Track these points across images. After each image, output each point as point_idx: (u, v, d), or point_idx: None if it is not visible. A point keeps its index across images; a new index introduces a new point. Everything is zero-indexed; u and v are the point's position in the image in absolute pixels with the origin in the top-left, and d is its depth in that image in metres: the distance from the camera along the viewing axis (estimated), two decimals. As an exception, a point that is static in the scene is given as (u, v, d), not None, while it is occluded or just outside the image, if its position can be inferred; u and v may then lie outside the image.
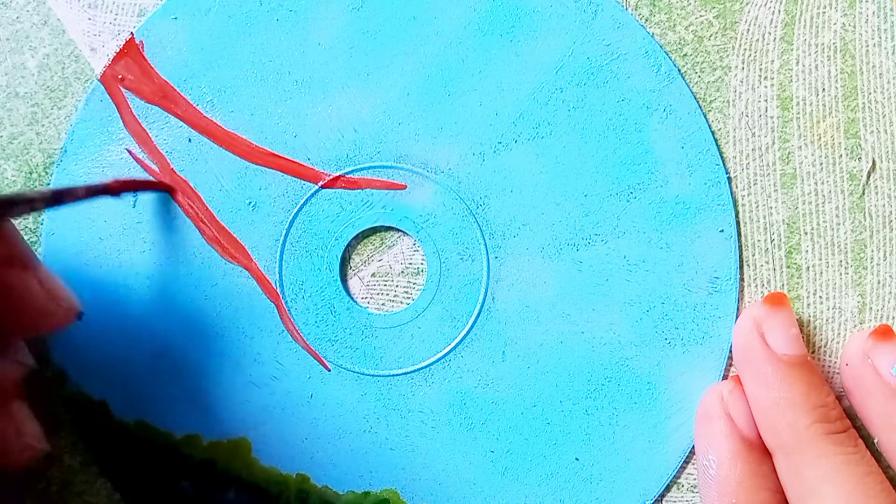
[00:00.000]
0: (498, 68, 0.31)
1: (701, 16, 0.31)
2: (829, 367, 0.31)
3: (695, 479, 0.31)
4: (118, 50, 0.31)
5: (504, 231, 0.31)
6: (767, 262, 0.31)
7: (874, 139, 0.31)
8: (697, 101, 0.31)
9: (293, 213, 0.31)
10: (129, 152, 0.31)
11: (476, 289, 0.31)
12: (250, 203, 0.31)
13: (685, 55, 0.31)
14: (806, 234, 0.31)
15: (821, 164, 0.31)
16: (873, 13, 0.31)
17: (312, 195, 0.31)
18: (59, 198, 0.26)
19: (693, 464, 0.31)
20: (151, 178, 0.31)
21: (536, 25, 0.31)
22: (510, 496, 0.31)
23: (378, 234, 0.32)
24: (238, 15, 0.31)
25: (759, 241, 0.31)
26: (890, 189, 0.31)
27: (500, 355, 0.31)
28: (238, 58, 0.31)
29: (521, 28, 0.31)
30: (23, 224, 0.32)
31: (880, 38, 0.31)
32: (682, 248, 0.31)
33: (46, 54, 0.32)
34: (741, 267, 0.31)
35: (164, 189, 0.31)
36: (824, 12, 0.31)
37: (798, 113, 0.31)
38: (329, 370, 0.31)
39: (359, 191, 0.31)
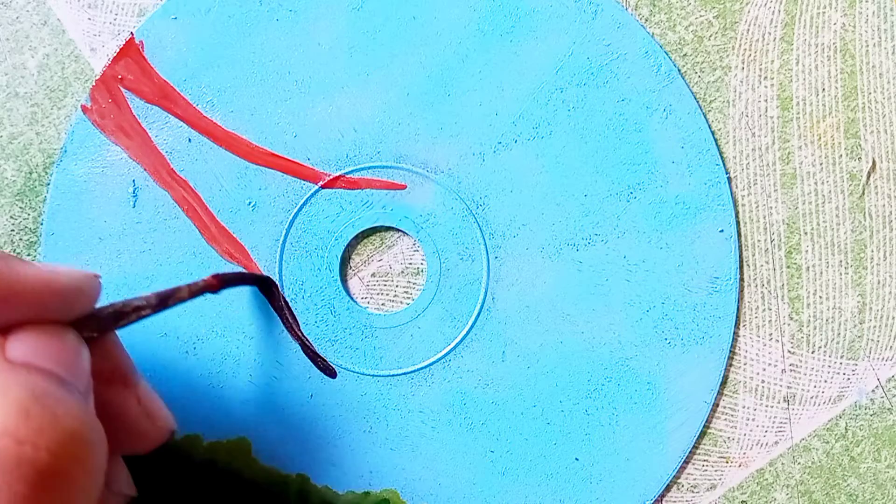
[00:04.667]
0: (498, 68, 0.31)
1: (701, 16, 0.31)
2: (830, 367, 0.31)
3: (695, 479, 0.32)
4: (118, 50, 0.31)
5: (504, 231, 0.31)
6: (767, 262, 0.31)
7: (874, 139, 0.31)
8: (697, 101, 0.31)
9: (293, 213, 0.31)
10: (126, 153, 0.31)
11: (476, 289, 0.31)
12: (250, 203, 0.31)
13: (685, 55, 0.31)
14: (806, 234, 0.31)
15: (821, 164, 0.31)
16: (873, 13, 0.31)
17: (312, 195, 0.31)
18: (165, 302, 0.25)
19: (693, 464, 0.31)
20: (250, 273, 0.31)
21: (536, 25, 0.31)
22: (510, 496, 0.31)
23: (378, 234, 0.32)
24: (238, 15, 0.31)
25: (759, 241, 0.31)
26: (890, 189, 0.31)
27: (500, 355, 0.31)
28: (238, 58, 0.31)
29: (521, 28, 0.31)
30: (23, 224, 0.32)
31: (880, 38, 0.31)
32: (682, 248, 0.31)
33: (46, 54, 0.32)
34: (741, 267, 0.31)
35: (263, 282, 0.31)
36: (824, 12, 0.31)
37: (798, 113, 0.31)
38: (335, 376, 0.31)
39: (359, 191, 0.31)
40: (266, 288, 0.31)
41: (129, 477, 0.27)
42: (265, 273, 0.31)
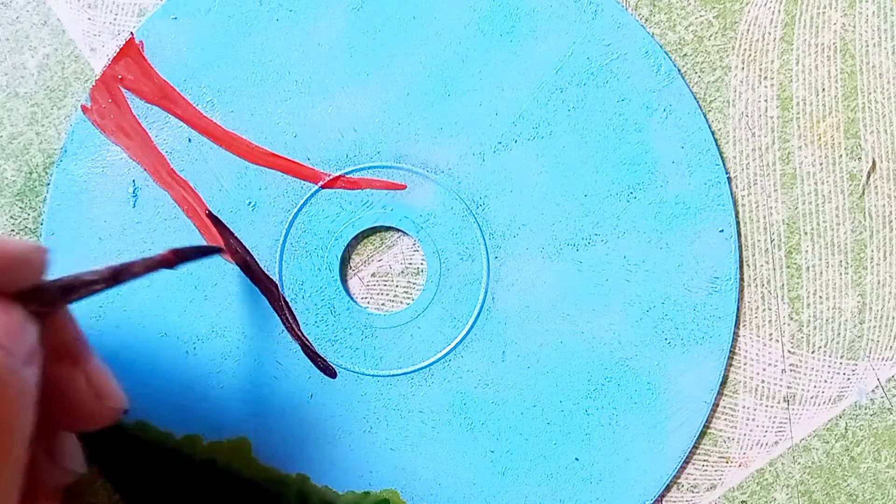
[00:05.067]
0: (498, 68, 0.31)
1: (701, 16, 0.31)
2: (830, 367, 0.31)
3: (695, 479, 0.32)
4: (118, 50, 0.31)
5: (504, 231, 0.31)
6: (767, 262, 0.31)
7: (874, 139, 0.31)
8: (697, 101, 0.31)
9: (293, 213, 0.31)
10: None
11: (476, 289, 0.31)
12: (250, 203, 0.31)
13: (685, 55, 0.31)
14: (806, 234, 0.31)
15: (821, 164, 0.31)
16: (873, 13, 0.31)
17: (312, 195, 0.31)
18: (118, 276, 0.25)
19: (693, 464, 0.31)
20: (203, 245, 0.31)
21: (536, 25, 0.31)
22: (510, 496, 0.31)
23: (378, 234, 0.32)
24: (238, 15, 0.31)
25: (759, 241, 0.31)
26: (890, 189, 0.31)
27: (500, 355, 0.31)
28: (238, 58, 0.31)
29: (521, 28, 0.31)
30: (22, 224, 0.32)
31: (880, 38, 0.31)
32: (682, 248, 0.31)
33: (46, 54, 0.32)
34: (741, 267, 0.31)
35: (218, 251, 0.31)
36: (824, 12, 0.31)
37: (798, 113, 0.31)
38: (335, 376, 0.31)
39: (359, 191, 0.31)
40: (212, 253, 0.30)
41: (81, 454, 0.27)
42: (267, 273, 0.31)
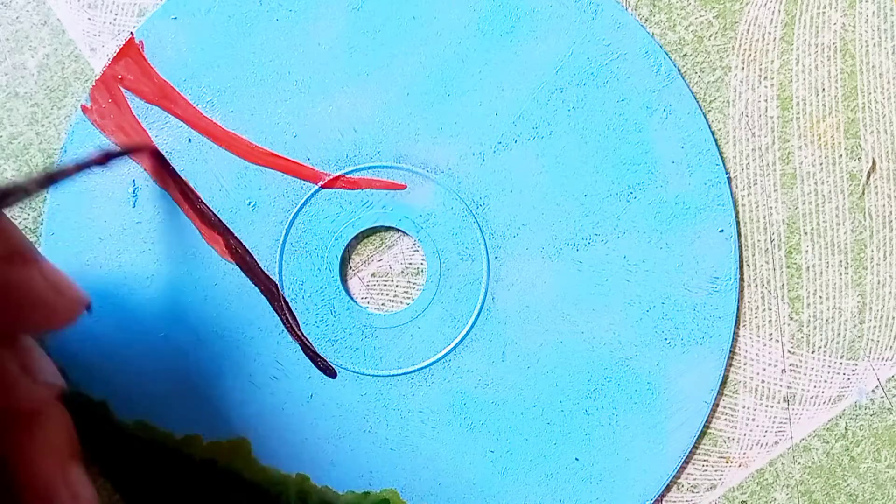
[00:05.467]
0: (498, 68, 0.31)
1: (701, 16, 0.31)
2: (830, 367, 0.31)
3: (695, 479, 0.32)
4: (118, 50, 0.31)
5: (504, 231, 0.31)
6: (767, 262, 0.31)
7: (874, 139, 0.31)
8: (697, 101, 0.31)
9: (293, 213, 0.31)
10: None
11: (476, 289, 0.31)
12: (250, 203, 0.31)
13: (685, 55, 0.31)
14: (806, 234, 0.31)
15: (821, 164, 0.31)
16: (873, 13, 0.31)
17: (312, 195, 0.31)
18: (52, 179, 0.25)
19: (693, 464, 0.31)
20: (137, 144, 0.31)
21: (536, 25, 0.31)
22: (510, 496, 0.31)
23: (378, 234, 0.32)
24: (238, 15, 0.31)
25: (759, 241, 0.31)
26: (890, 189, 0.31)
27: (500, 355, 0.31)
28: (238, 58, 0.31)
29: (521, 28, 0.31)
30: (23, 224, 0.32)
31: (880, 38, 0.31)
32: (682, 248, 0.31)
33: (46, 54, 0.32)
34: (741, 267, 0.31)
35: (143, 148, 0.31)
36: (824, 12, 0.31)
37: (798, 113, 0.31)
38: (335, 376, 0.31)
39: (359, 191, 0.31)
40: (155, 157, 0.31)
41: (55, 368, 0.27)
42: (267, 274, 0.31)
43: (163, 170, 0.31)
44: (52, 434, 0.26)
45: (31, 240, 0.31)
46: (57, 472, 0.26)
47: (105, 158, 0.28)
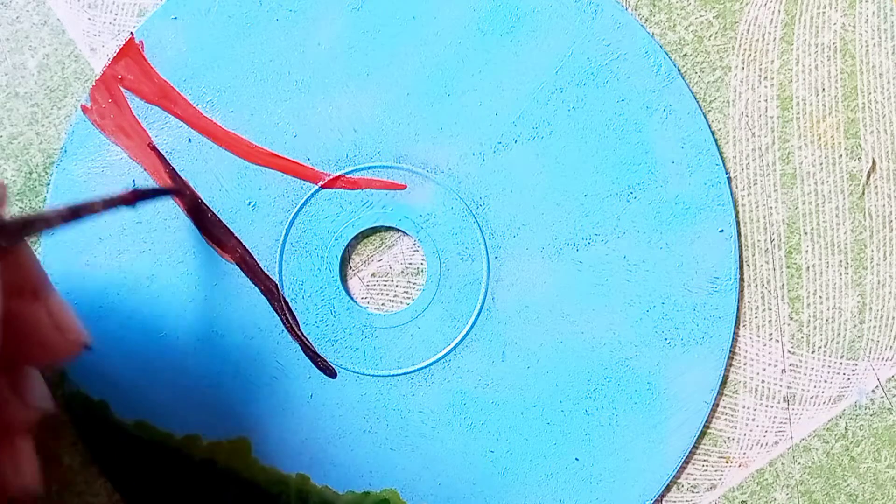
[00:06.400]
0: (498, 68, 0.31)
1: (701, 16, 0.31)
2: (830, 367, 0.31)
3: (695, 479, 0.32)
4: (118, 50, 0.31)
5: (504, 231, 0.31)
6: (767, 262, 0.31)
7: (874, 139, 0.31)
8: (697, 101, 0.31)
9: (293, 213, 0.31)
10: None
11: (476, 289, 0.31)
12: (250, 203, 0.31)
13: (685, 55, 0.31)
14: (806, 234, 0.31)
15: (821, 164, 0.31)
16: (873, 13, 0.31)
17: (312, 195, 0.31)
18: (77, 214, 0.25)
19: (693, 464, 0.31)
20: (165, 187, 0.31)
21: (536, 25, 0.31)
22: (510, 496, 0.31)
23: (378, 234, 0.32)
24: (238, 15, 0.31)
25: (759, 241, 0.31)
26: (890, 189, 0.31)
27: (500, 355, 0.31)
28: (238, 58, 0.31)
29: (521, 28, 0.31)
30: (23, 224, 0.32)
31: (880, 38, 0.31)
32: (682, 248, 0.31)
33: (46, 54, 0.32)
34: (741, 267, 0.31)
35: (176, 192, 0.31)
36: (824, 12, 0.31)
37: (798, 113, 0.31)
38: (335, 376, 0.31)
39: (359, 191, 0.31)
40: (185, 201, 0.31)
41: (47, 391, 0.27)
42: (268, 274, 0.31)
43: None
44: (8, 416, 0.27)
45: (31, 240, 0.31)
46: (4, 444, 0.26)
47: (134, 198, 0.27)
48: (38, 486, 0.26)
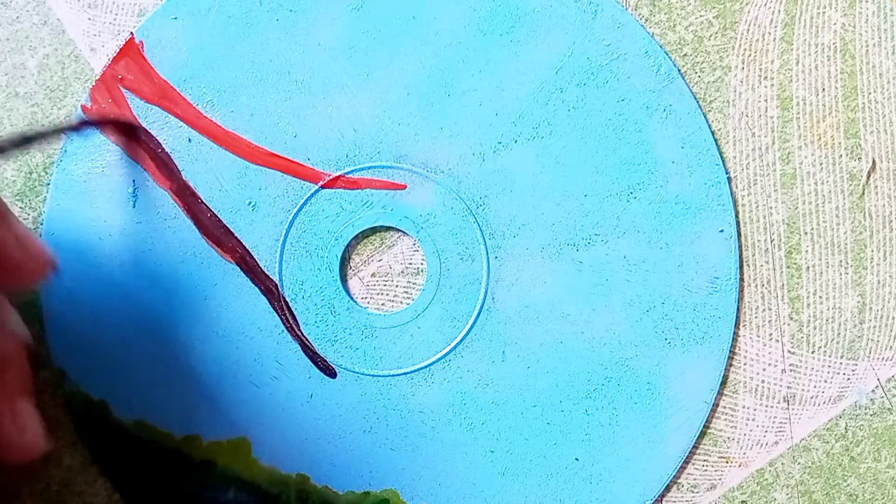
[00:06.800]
0: (498, 68, 0.31)
1: (701, 16, 0.31)
2: (830, 367, 0.31)
3: (695, 479, 0.32)
4: (118, 50, 0.31)
5: (504, 231, 0.31)
6: (767, 262, 0.31)
7: (874, 139, 0.31)
8: (697, 101, 0.31)
9: (293, 213, 0.31)
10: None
11: (476, 289, 0.31)
12: (250, 203, 0.31)
13: (685, 55, 0.31)
14: (806, 234, 0.31)
15: (821, 164, 0.31)
16: (873, 13, 0.31)
17: (312, 195, 0.31)
18: (28, 140, 0.25)
19: (693, 464, 0.31)
20: (116, 118, 0.31)
21: (536, 25, 0.31)
22: (510, 496, 0.31)
23: (378, 234, 0.32)
24: (238, 15, 0.31)
25: (759, 241, 0.31)
26: (890, 189, 0.31)
27: (500, 355, 0.31)
28: (238, 58, 0.31)
29: (521, 28, 0.31)
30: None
31: (880, 38, 0.31)
32: (682, 248, 0.31)
33: (46, 54, 0.32)
34: (741, 267, 0.31)
35: (116, 122, 0.31)
36: (824, 12, 0.31)
37: (798, 113, 0.31)
38: (335, 376, 0.31)
39: (359, 191, 0.31)
40: (129, 132, 0.31)
41: (20, 320, 0.27)
42: (267, 274, 0.31)
43: (135, 143, 0.31)
44: (8, 376, 0.27)
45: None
46: (5, 407, 0.26)
47: (81, 125, 0.28)
48: (45, 442, 0.26)
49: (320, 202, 0.31)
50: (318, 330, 0.31)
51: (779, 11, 0.31)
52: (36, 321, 0.31)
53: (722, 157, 0.31)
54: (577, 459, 0.31)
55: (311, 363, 0.31)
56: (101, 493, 0.32)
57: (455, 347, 0.31)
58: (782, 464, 0.31)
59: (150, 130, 0.31)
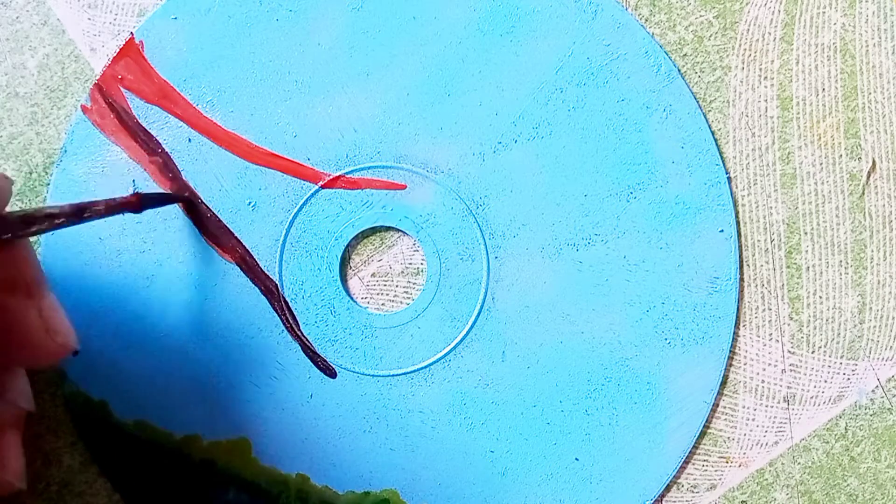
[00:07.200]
0: (498, 68, 0.31)
1: (701, 16, 0.31)
2: (830, 367, 0.31)
3: (695, 479, 0.32)
4: (118, 50, 0.31)
5: (504, 231, 0.31)
6: (767, 262, 0.31)
7: (874, 139, 0.31)
8: (697, 101, 0.31)
9: (293, 213, 0.31)
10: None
11: (476, 289, 0.31)
12: (250, 203, 0.31)
13: (685, 55, 0.31)
14: (806, 234, 0.31)
15: (821, 164, 0.31)
16: (873, 13, 0.31)
17: (312, 195, 0.31)
18: (80, 213, 0.24)
19: (693, 464, 0.31)
20: (171, 193, 0.31)
21: (536, 25, 0.31)
22: (510, 496, 0.31)
23: (378, 234, 0.32)
24: (238, 15, 0.31)
25: (759, 241, 0.31)
26: (890, 189, 0.31)
27: (500, 355, 0.31)
28: (238, 58, 0.31)
29: (521, 28, 0.31)
30: (23, 224, 0.32)
31: (880, 38, 0.31)
32: (682, 248, 0.31)
33: (46, 54, 0.32)
34: (741, 267, 0.31)
35: (185, 200, 0.31)
36: (824, 12, 0.31)
37: (798, 113, 0.31)
38: (335, 376, 0.31)
39: (359, 191, 0.31)
40: (189, 207, 0.30)
41: (30, 393, 0.27)
42: (268, 274, 0.31)
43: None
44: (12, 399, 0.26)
45: (30, 239, 0.31)
46: None
47: (139, 203, 0.27)
48: (21, 482, 0.26)
49: (320, 202, 0.31)
50: (318, 330, 0.31)
51: (779, 11, 0.31)
52: (36, 321, 0.31)
53: (722, 157, 0.31)
54: (577, 459, 0.31)
55: (311, 363, 0.31)
56: (101, 493, 0.32)
57: (455, 347, 0.31)
58: (782, 464, 0.31)
59: (150, 131, 0.31)
